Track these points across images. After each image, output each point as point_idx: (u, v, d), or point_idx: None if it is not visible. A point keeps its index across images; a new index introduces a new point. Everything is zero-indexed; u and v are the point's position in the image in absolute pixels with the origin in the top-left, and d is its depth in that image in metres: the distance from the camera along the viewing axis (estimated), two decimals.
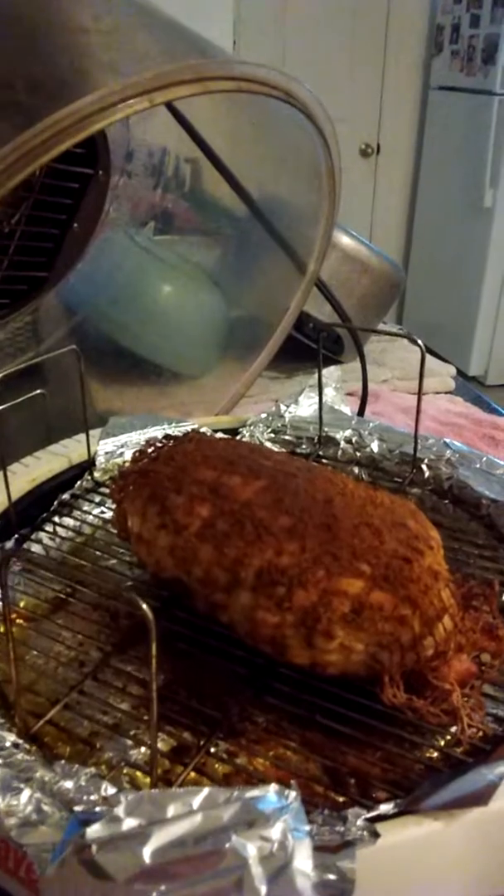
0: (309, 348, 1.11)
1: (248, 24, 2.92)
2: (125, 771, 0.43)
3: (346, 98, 3.20)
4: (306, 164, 0.67)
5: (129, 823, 0.32)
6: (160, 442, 0.55)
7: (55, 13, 0.51)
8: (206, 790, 0.33)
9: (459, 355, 3.09)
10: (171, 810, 0.32)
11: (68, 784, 0.37)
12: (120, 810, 0.33)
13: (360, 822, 0.36)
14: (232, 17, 2.76)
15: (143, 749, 0.44)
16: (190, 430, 0.70)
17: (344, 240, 1.18)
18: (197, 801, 0.33)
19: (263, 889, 0.30)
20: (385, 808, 0.38)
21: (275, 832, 0.31)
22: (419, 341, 0.62)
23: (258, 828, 0.32)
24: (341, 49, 3.16)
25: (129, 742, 0.44)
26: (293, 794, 0.33)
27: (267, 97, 0.53)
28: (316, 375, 0.69)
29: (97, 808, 0.36)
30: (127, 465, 0.56)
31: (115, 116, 0.42)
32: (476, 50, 2.97)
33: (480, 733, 0.43)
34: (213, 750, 0.44)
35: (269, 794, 0.33)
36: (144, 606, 0.34)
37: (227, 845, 0.31)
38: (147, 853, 0.31)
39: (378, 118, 3.37)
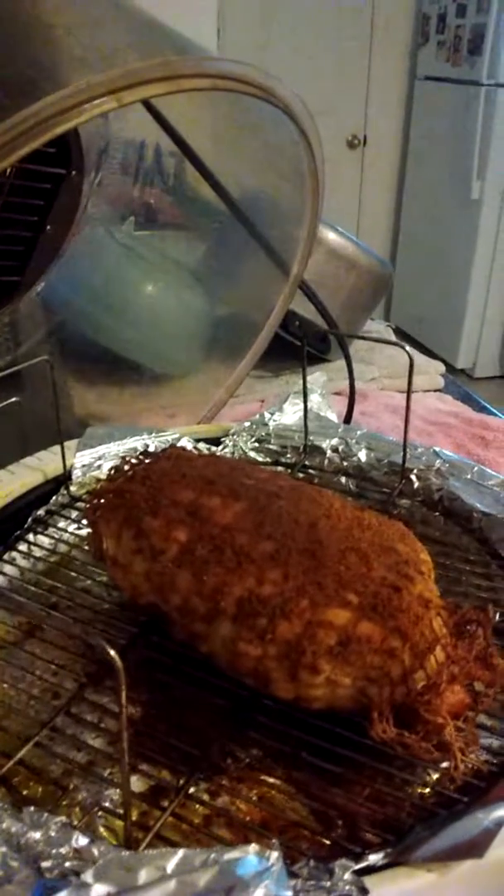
0: (295, 347, 1.08)
1: (232, 14, 2.88)
2: (100, 814, 0.41)
3: (333, 89, 3.16)
4: (289, 164, 0.65)
5: (98, 891, 0.30)
6: (136, 458, 0.53)
7: (23, 9, 0.48)
8: (180, 852, 0.31)
9: (447, 348, 3.07)
10: (143, 875, 0.30)
11: (37, 835, 0.35)
12: (88, 876, 0.30)
13: (347, 876, 0.34)
14: (216, 9, 2.71)
15: (118, 790, 0.42)
16: (170, 442, 0.68)
17: (330, 236, 1.16)
18: (171, 865, 0.30)
19: None
20: (374, 857, 0.36)
21: None
22: (408, 348, 0.60)
23: (237, 895, 0.29)
24: (327, 40, 3.12)
25: (104, 783, 0.42)
26: (275, 854, 0.31)
27: (246, 95, 0.50)
28: (310, 377, 0.66)
29: (67, 864, 0.33)
30: (102, 483, 0.53)
31: (81, 118, 0.39)
32: (462, 40, 2.94)
33: (474, 769, 0.41)
34: (192, 791, 0.41)
35: (249, 856, 0.30)
36: (112, 653, 0.31)
37: None
38: None
39: (364, 109, 3.33)
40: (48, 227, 0.75)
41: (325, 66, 3.15)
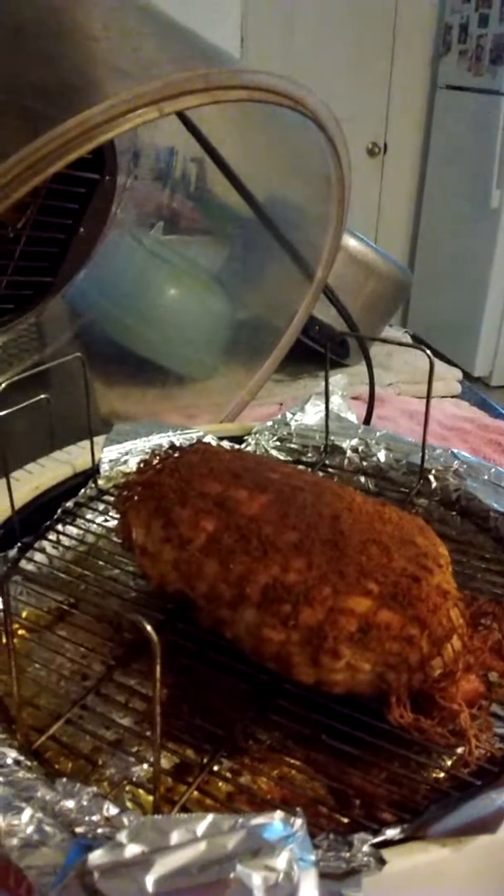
0: (314, 351, 1.10)
1: (255, 22, 2.91)
2: (127, 788, 0.43)
3: (354, 97, 3.18)
4: (315, 171, 0.67)
5: (132, 850, 0.32)
6: (165, 452, 0.55)
7: (65, 20, 0.50)
8: (210, 817, 0.32)
9: (464, 356, 3.08)
10: (175, 837, 0.32)
11: (70, 804, 0.37)
12: (122, 836, 0.32)
13: (366, 849, 0.35)
14: (240, 16, 2.74)
15: (145, 766, 0.44)
16: (195, 439, 0.70)
17: (351, 242, 1.17)
18: (201, 828, 0.32)
19: None
20: (391, 833, 0.37)
21: (280, 861, 0.31)
22: (428, 352, 0.61)
23: (263, 857, 0.31)
24: (349, 47, 3.15)
25: (132, 759, 0.44)
26: (299, 821, 0.32)
27: (277, 106, 0.52)
28: (322, 382, 0.68)
29: (99, 830, 0.35)
30: (132, 475, 0.55)
31: (124, 127, 0.41)
32: (484, 50, 2.95)
33: (488, 754, 0.43)
34: (216, 768, 0.43)
35: (275, 822, 0.32)
36: (149, 628, 0.33)
37: (232, 875, 0.30)
38: (150, 881, 0.30)
39: (385, 117, 3.35)
40: (81, 230, 0.77)
41: (346, 73, 3.17)
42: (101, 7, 0.53)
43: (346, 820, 0.41)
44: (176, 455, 0.54)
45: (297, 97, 0.52)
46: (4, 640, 0.51)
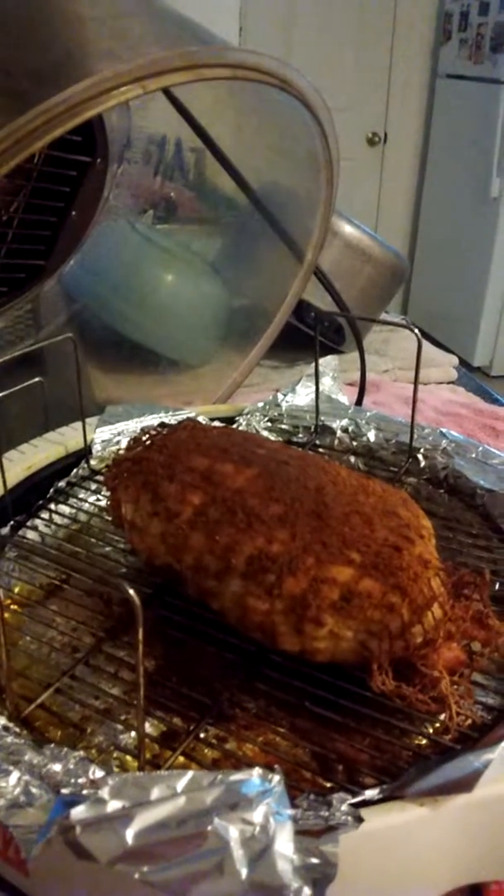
0: (310, 338, 1.10)
1: (254, 11, 2.90)
2: (115, 755, 0.44)
3: (354, 86, 3.18)
4: (306, 153, 0.67)
5: (114, 805, 0.33)
6: (154, 430, 0.56)
7: (53, 1, 0.51)
8: (189, 773, 0.33)
9: (464, 345, 3.08)
10: (155, 793, 0.33)
11: (57, 767, 0.38)
12: (104, 792, 0.33)
13: (344, 808, 0.36)
14: (238, 6, 2.74)
15: (133, 734, 0.45)
16: (186, 418, 0.70)
17: (346, 229, 1.18)
18: (181, 784, 0.33)
19: (244, 872, 0.30)
20: (370, 793, 0.38)
21: (257, 815, 0.32)
22: (415, 330, 0.62)
23: (240, 811, 0.32)
24: (349, 37, 3.14)
25: (120, 727, 0.45)
26: (276, 777, 0.33)
27: (263, 85, 0.53)
28: (322, 365, 0.69)
29: (84, 791, 0.36)
30: (122, 453, 0.56)
31: (108, 103, 0.42)
32: (485, 38, 2.95)
33: (469, 721, 0.43)
34: (202, 735, 0.44)
35: (253, 778, 0.33)
36: (131, 591, 0.34)
37: (209, 828, 0.31)
38: (130, 835, 0.31)
39: (385, 106, 3.35)
40: (73, 214, 0.78)
41: (346, 63, 3.17)
42: None
43: (328, 784, 0.42)
44: (164, 432, 0.55)
45: (281, 75, 0.53)
46: None
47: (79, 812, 0.32)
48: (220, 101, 0.70)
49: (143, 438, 0.55)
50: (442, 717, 0.44)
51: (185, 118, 0.68)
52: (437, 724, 0.45)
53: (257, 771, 0.33)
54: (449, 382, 1.26)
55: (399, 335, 1.35)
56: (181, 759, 0.42)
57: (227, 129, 0.73)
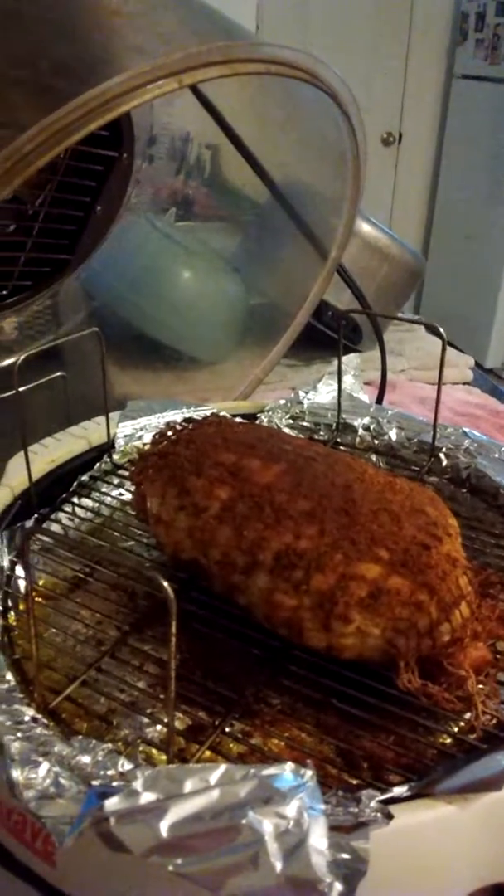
0: (327, 337, 1.10)
1: (271, 10, 2.90)
2: (141, 748, 0.44)
3: (369, 86, 3.17)
4: (331, 149, 0.67)
5: (147, 797, 0.33)
6: (180, 425, 0.56)
7: None
8: (223, 766, 0.33)
9: (477, 347, 3.07)
10: (189, 785, 0.33)
11: (86, 759, 0.38)
12: (138, 784, 0.33)
13: (373, 804, 0.36)
14: (255, 6, 2.73)
15: (158, 727, 0.45)
16: (209, 414, 0.70)
17: (365, 227, 1.18)
18: (214, 777, 0.33)
19: (279, 865, 0.30)
20: (399, 790, 0.38)
21: (290, 809, 0.32)
22: (441, 329, 0.62)
23: (274, 805, 0.32)
24: (364, 37, 3.13)
25: (146, 720, 0.45)
26: (309, 772, 0.33)
27: (293, 80, 0.53)
28: (334, 362, 0.69)
29: (114, 783, 0.36)
30: (147, 447, 0.56)
31: (144, 97, 0.42)
32: (501, 39, 2.94)
33: (494, 720, 0.43)
34: (228, 730, 0.44)
35: (286, 773, 0.33)
36: (166, 585, 0.34)
37: (244, 821, 0.31)
38: (164, 827, 0.31)
39: (401, 106, 3.34)
40: (98, 209, 0.78)
41: (361, 62, 3.16)
42: None
43: (354, 781, 0.42)
44: (190, 427, 0.55)
45: (312, 70, 0.53)
46: (23, 606, 0.53)
47: (112, 803, 0.32)
48: (246, 95, 0.70)
49: (169, 433, 0.55)
50: (467, 715, 0.44)
51: (211, 114, 0.68)
52: (462, 723, 0.45)
53: (290, 766, 0.34)
54: (464, 383, 1.26)
55: (415, 335, 1.35)
56: (208, 753, 0.42)
57: (251, 125, 0.73)
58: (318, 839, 0.31)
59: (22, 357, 0.53)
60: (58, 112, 0.40)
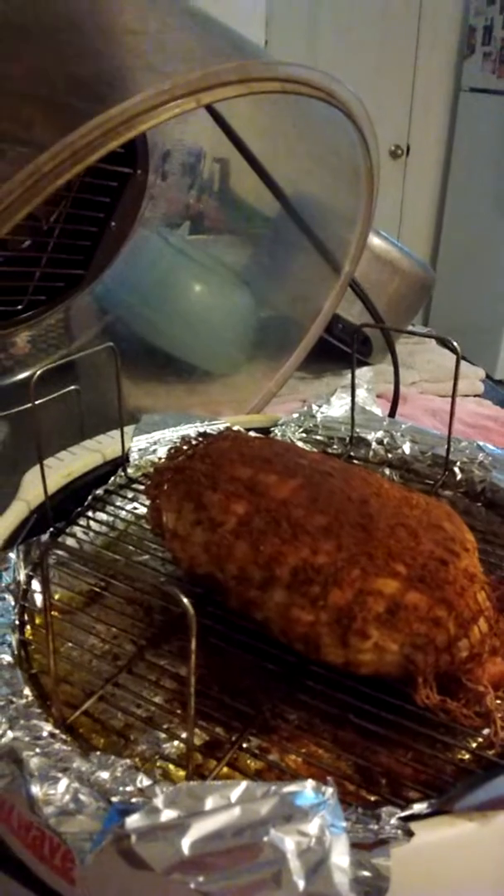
0: (337, 349, 1.11)
1: (279, 25, 2.92)
2: (158, 764, 0.44)
3: (377, 99, 3.17)
4: (343, 164, 0.67)
5: (168, 815, 0.33)
6: (195, 439, 0.56)
7: (102, 14, 0.51)
8: (243, 784, 0.33)
9: (486, 358, 3.06)
10: (210, 803, 0.33)
11: (104, 775, 0.38)
12: (159, 801, 0.33)
13: (393, 821, 0.36)
14: (264, 17, 2.76)
15: (175, 743, 0.45)
16: (223, 428, 0.71)
17: (375, 241, 1.18)
18: (235, 795, 0.33)
19: (301, 883, 0.30)
20: (419, 807, 0.38)
21: (312, 827, 0.32)
22: (454, 343, 0.62)
23: (296, 822, 0.32)
24: (372, 49, 3.15)
25: (163, 735, 0.45)
26: (330, 790, 0.33)
27: (308, 97, 0.53)
28: (347, 376, 0.69)
29: (134, 800, 0.36)
30: (162, 461, 0.56)
31: (163, 116, 0.42)
32: None
33: None
34: (245, 745, 0.44)
35: (307, 790, 0.33)
36: (186, 601, 0.34)
37: (266, 839, 0.31)
38: (186, 844, 0.31)
39: (408, 119, 3.35)
40: (112, 225, 0.79)
41: (369, 75, 3.17)
42: (137, 1, 0.54)
43: (372, 797, 0.42)
44: (206, 441, 0.55)
45: (329, 89, 0.53)
46: (39, 620, 0.53)
47: (134, 821, 0.32)
48: (259, 111, 0.70)
49: (184, 448, 0.55)
50: (486, 731, 0.44)
51: (224, 130, 0.68)
52: (481, 739, 0.45)
53: (310, 783, 0.33)
54: (475, 395, 1.26)
55: (425, 347, 1.35)
56: (225, 769, 0.42)
57: (263, 140, 0.74)
58: (341, 857, 0.31)
59: (39, 371, 0.53)
60: (78, 131, 0.40)
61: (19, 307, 0.80)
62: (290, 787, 0.33)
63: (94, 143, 0.40)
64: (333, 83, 0.54)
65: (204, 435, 0.56)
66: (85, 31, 0.52)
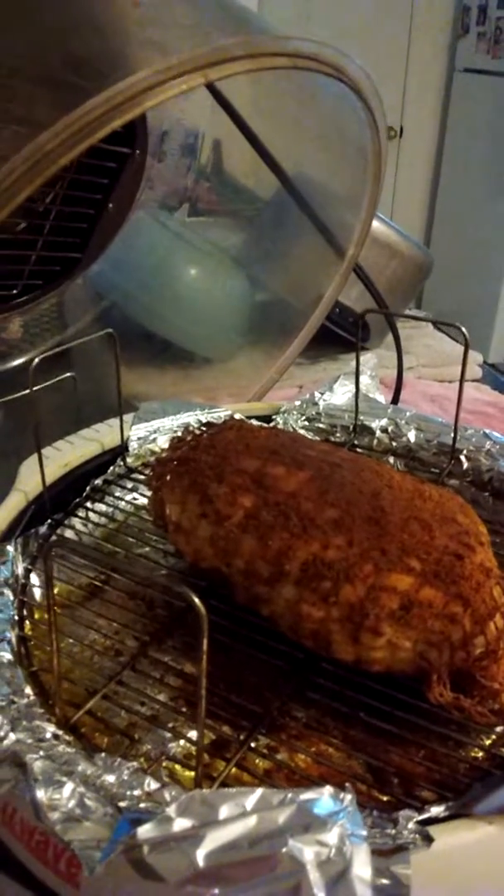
0: (333, 334, 1.09)
1: (273, 1, 2.87)
2: (164, 764, 0.42)
3: None
4: (348, 146, 0.66)
5: (181, 824, 0.31)
6: (198, 429, 0.54)
7: None
8: (258, 791, 0.32)
9: (480, 342, 3.04)
10: (224, 811, 0.32)
11: (111, 778, 0.37)
12: (171, 810, 0.32)
13: (411, 826, 0.35)
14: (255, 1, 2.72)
15: (181, 742, 0.43)
16: (223, 417, 0.69)
17: (373, 224, 1.16)
18: (250, 803, 0.32)
19: (322, 895, 0.29)
20: (436, 810, 0.37)
21: (332, 837, 0.31)
22: (463, 329, 0.61)
23: (314, 832, 0.31)
24: (365, 30, 3.10)
25: (168, 734, 0.44)
26: (349, 797, 0.32)
27: (315, 73, 0.51)
28: (343, 360, 0.68)
29: (142, 805, 0.35)
30: (164, 452, 0.55)
31: (170, 93, 0.41)
32: (503, 32, 2.91)
33: None
34: (253, 745, 0.43)
35: (324, 797, 0.32)
36: (197, 601, 0.33)
37: (284, 849, 0.30)
38: (200, 855, 0.30)
39: (402, 100, 3.31)
40: (110, 206, 0.77)
41: (362, 56, 3.11)
42: None
43: (385, 798, 0.41)
44: (210, 431, 0.53)
45: (339, 65, 0.51)
46: (38, 615, 0.51)
47: (146, 830, 0.31)
48: (260, 88, 0.68)
49: (188, 438, 0.53)
50: (500, 729, 0.43)
51: (225, 108, 0.66)
52: (495, 737, 0.44)
53: (328, 790, 0.32)
54: (473, 380, 1.25)
55: (422, 331, 1.34)
56: (234, 769, 0.41)
57: (265, 120, 0.72)
58: (362, 868, 0.30)
59: (38, 358, 0.52)
60: (81, 109, 0.39)
61: (14, 291, 0.78)
62: (308, 795, 0.32)
63: (98, 120, 0.39)
64: (343, 59, 0.52)
65: (207, 425, 0.55)
66: (85, 3, 0.50)
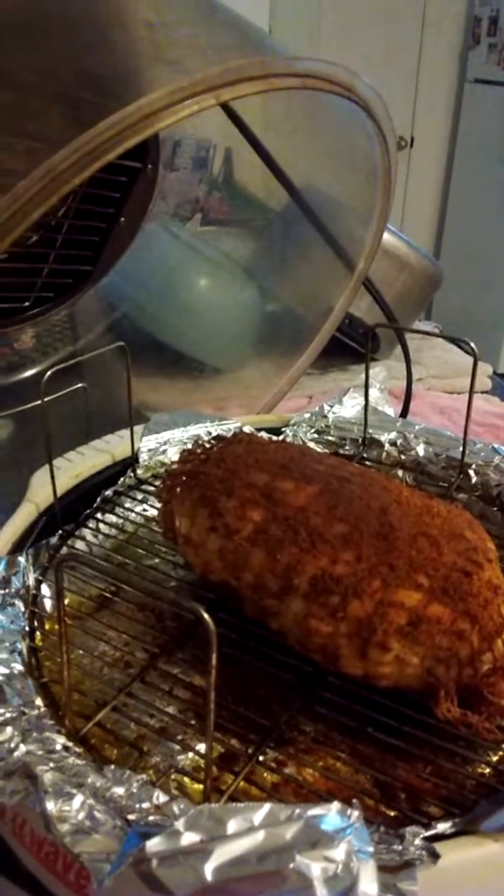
0: (343, 345, 1.09)
1: (283, 13, 2.89)
2: (173, 776, 0.43)
3: (381, 90, 3.13)
4: (358, 161, 0.66)
5: (190, 838, 0.32)
6: (209, 442, 0.55)
7: (116, 6, 0.50)
8: (266, 806, 0.32)
9: (489, 352, 3.05)
10: (232, 826, 0.32)
11: (120, 790, 0.37)
12: (179, 824, 0.32)
13: (418, 842, 0.35)
14: (267, 7, 2.73)
15: (190, 754, 0.44)
16: (233, 430, 0.69)
17: (384, 236, 1.17)
18: (258, 818, 0.32)
19: None
20: (443, 826, 0.37)
21: (339, 853, 0.31)
22: (472, 344, 0.61)
23: (322, 848, 0.31)
24: (376, 41, 3.12)
25: (177, 747, 0.44)
26: (356, 813, 0.32)
27: (327, 93, 0.52)
28: (352, 371, 0.68)
29: (151, 818, 0.35)
30: (174, 465, 0.55)
31: (182, 114, 0.41)
32: None
33: None
34: (261, 759, 0.43)
35: (332, 813, 0.32)
36: (207, 617, 0.33)
37: (291, 865, 0.30)
38: (209, 870, 0.30)
39: (412, 111, 3.32)
40: (122, 220, 0.77)
41: (373, 66, 3.14)
42: None
43: (392, 813, 0.41)
44: (220, 445, 0.54)
45: (349, 85, 0.52)
46: (48, 626, 0.52)
47: (154, 844, 0.31)
48: (273, 106, 0.69)
49: (198, 451, 0.54)
50: None
51: (237, 124, 0.67)
52: (502, 753, 0.44)
53: (336, 805, 0.32)
54: (483, 392, 1.25)
55: (432, 343, 1.34)
56: (242, 783, 0.41)
57: (277, 135, 0.72)
58: (369, 884, 0.30)
59: (50, 371, 0.52)
60: (94, 129, 0.39)
61: (26, 304, 0.79)
62: (315, 811, 0.32)
63: (111, 141, 0.39)
64: (354, 79, 0.52)
65: (217, 438, 0.55)
66: (99, 22, 0.51)
